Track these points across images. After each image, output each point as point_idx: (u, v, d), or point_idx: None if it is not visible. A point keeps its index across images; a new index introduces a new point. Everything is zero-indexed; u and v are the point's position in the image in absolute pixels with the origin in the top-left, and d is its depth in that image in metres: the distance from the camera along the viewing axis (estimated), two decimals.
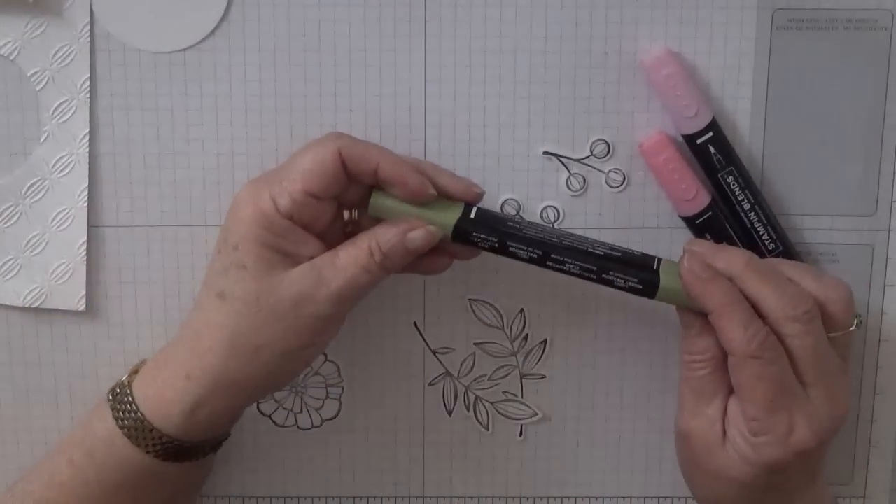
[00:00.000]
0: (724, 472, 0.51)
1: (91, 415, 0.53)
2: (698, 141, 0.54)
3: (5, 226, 0.56)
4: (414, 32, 0.55)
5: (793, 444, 0.49)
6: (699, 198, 0.54)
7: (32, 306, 0.57)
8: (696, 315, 0.51)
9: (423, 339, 0.58)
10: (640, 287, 0.50)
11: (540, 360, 0.58)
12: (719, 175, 0.54)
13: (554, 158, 0.56)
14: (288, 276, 0.49)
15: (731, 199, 0.55)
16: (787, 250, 0.55)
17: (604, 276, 0.50)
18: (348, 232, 0.52)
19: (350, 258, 0.49)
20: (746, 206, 0.55)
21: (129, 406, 0.51)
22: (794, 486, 0.51)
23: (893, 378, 0.58)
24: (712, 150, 0.54)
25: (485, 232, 0.50)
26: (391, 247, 0.50)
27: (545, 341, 0.58)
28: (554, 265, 0.50)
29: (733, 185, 0.54)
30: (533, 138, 0.56)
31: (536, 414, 0.59)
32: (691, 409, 0.52)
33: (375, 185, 0.50)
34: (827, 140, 0.56)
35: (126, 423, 0.51)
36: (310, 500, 0.60)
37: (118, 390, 0.52)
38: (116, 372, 0.58)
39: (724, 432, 0.51)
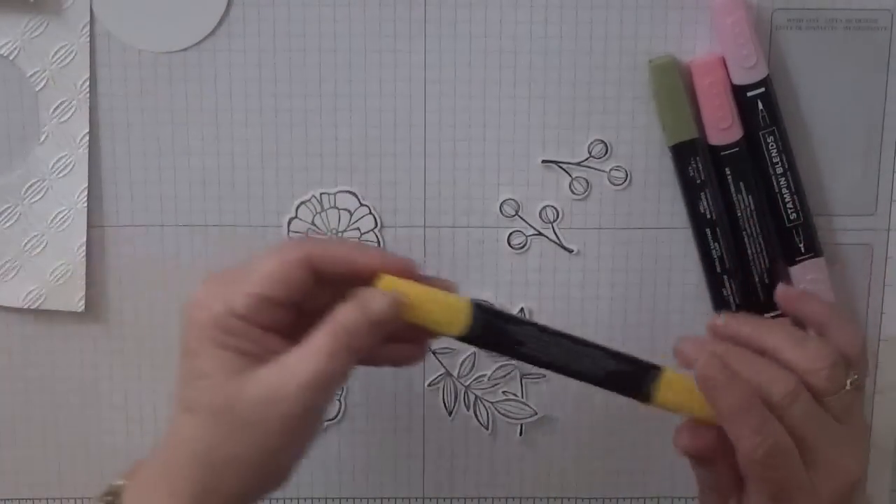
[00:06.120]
0: None
1: None
2: (749, 94, 0.53)
3: (5, 226, 0.56)
4: (414, 32, 0.55)
5: None
6: (733, 130, 0.54)
7: (32, 307, 0.56)
8: (708, 468, 0.51)
9: None
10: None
11: None
12: (760, 133, 0.54)
13: (554, 165, 0.56)
14: (254, 377, 0.45)
15: (764, 159, 0.54)
16: (808, 223, 0.55)
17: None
18: None
19: (314, 346, 0.45)
20: (779, 170, 0.54)
21: None
22: None
23: (893, 378, 0.58)
24: (760, 105, 0.53)
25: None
26: (352, 322, 0.46)
27: None
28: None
29: (772, 145, 0.54)
30: (533, 139, 0.56)
31: (536, 414, 0.59)
32: None
33: (350, 282, 0.47)
34: (826, 140, 0.56)
35: None
36: (310, 501, 0.60)
37: (110, 500, 0.48)
38: (116, 373, 0.58)
39: None
